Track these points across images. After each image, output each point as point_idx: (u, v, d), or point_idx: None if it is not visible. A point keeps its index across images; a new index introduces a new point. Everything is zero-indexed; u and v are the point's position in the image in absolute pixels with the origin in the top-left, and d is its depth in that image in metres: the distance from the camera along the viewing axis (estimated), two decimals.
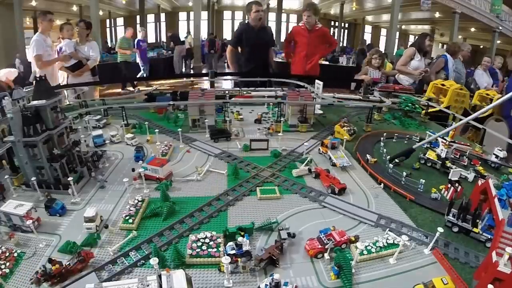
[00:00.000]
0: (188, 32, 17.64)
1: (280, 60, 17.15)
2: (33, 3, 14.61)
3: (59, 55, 5.79)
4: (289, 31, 6.01)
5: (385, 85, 4.97)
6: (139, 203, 2.14)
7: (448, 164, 2.83)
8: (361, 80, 6.15)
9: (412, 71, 6.11)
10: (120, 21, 22.17)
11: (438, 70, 6.54)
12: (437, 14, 20.76)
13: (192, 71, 15.96)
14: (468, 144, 3.21)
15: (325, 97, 4.19)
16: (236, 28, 6.27)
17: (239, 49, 5.79)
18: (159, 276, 1.32)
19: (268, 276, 1.55)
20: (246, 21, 5.74)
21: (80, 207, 2.17)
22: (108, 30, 20.65)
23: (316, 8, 5.72)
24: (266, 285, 1.47)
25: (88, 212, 1.91)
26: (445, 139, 2.91)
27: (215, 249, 1.74)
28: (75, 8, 20.06)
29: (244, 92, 4.83)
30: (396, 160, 2.84)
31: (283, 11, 22.71)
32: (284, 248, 1.77)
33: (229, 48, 5.86)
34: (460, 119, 4.04)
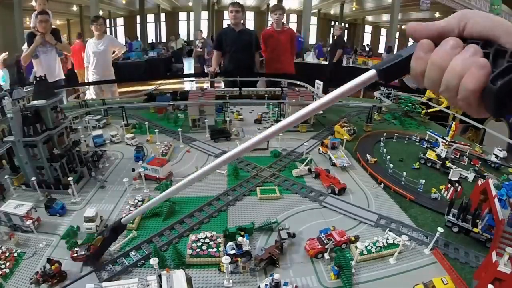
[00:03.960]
0: (187, 35, 17.27)
1: None
2: (33, 3, 14.58)
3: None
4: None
5: None
6: (139, 203, 2.14)
7: (448, 164, 2.83)
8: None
9: None
10: (120, 21, 22.17)
11: None
12: (437, 14, 20.76)
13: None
14: (468, 144, 3.21)
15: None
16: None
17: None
18: (159, 276, 1.32)
19: (268, 276, 1.55)
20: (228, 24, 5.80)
21: (80, 207, 2.17)
22: (108, 30, 20.65)
23: (284, 8, 5.95)
24: (266, 285, 1.47)
25: (88, 212, 1.91)
26: (445, 139, 2.91)
27: (215, 249, 1.74)
28: (75, 8, 20.06)
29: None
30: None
31: None
32: (284, 248, 1.77)
33: (214, 52, 5.94)
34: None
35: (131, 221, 1.98)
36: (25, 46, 5.49)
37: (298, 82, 4.90)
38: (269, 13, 6.06)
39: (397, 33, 20.70)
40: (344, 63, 14.02)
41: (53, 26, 5.70)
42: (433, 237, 1.86)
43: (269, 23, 6.32)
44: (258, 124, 3.91)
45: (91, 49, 6.05)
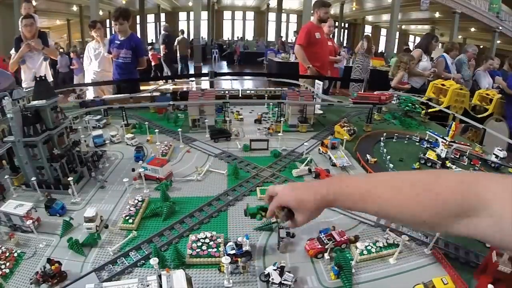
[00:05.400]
0: (187, 35, 17.29)
1: (279, 60, 17.11)
2: (33, 3, 14.59)
3: None
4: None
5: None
6: (139, 203, 2.14)
7: (448, 164, 2.83)
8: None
9: (422, 72, 6.14)
10: None
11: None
12: (437, 14, 20.78)
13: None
14: (468, 144, 3.21)
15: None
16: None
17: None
18: (159, 276, 1.32)
19: (272, 265, 1.59)
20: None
21: (80, 207, 2.17)
22: (108, 30, 20.65)
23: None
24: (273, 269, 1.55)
25: (88, 212, 1.91)
26: (445, 139, 2.91)
27: (215, 249, 1.74)
28: (75, 8, 20.07)
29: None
30: None
31: (283, 11, 22.71)
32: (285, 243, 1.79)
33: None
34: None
35: (131, 221, 1.98)
36: (12, 51, 5.48)
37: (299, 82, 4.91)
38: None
39: (397, 33, 20.71)
40: (344, 63, 14.03)
41: (41, 29, 5.72)
42: (433, 237, 1.86)
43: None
44: (258, 124, 3.92)
45: (92, 52, 6.11)
